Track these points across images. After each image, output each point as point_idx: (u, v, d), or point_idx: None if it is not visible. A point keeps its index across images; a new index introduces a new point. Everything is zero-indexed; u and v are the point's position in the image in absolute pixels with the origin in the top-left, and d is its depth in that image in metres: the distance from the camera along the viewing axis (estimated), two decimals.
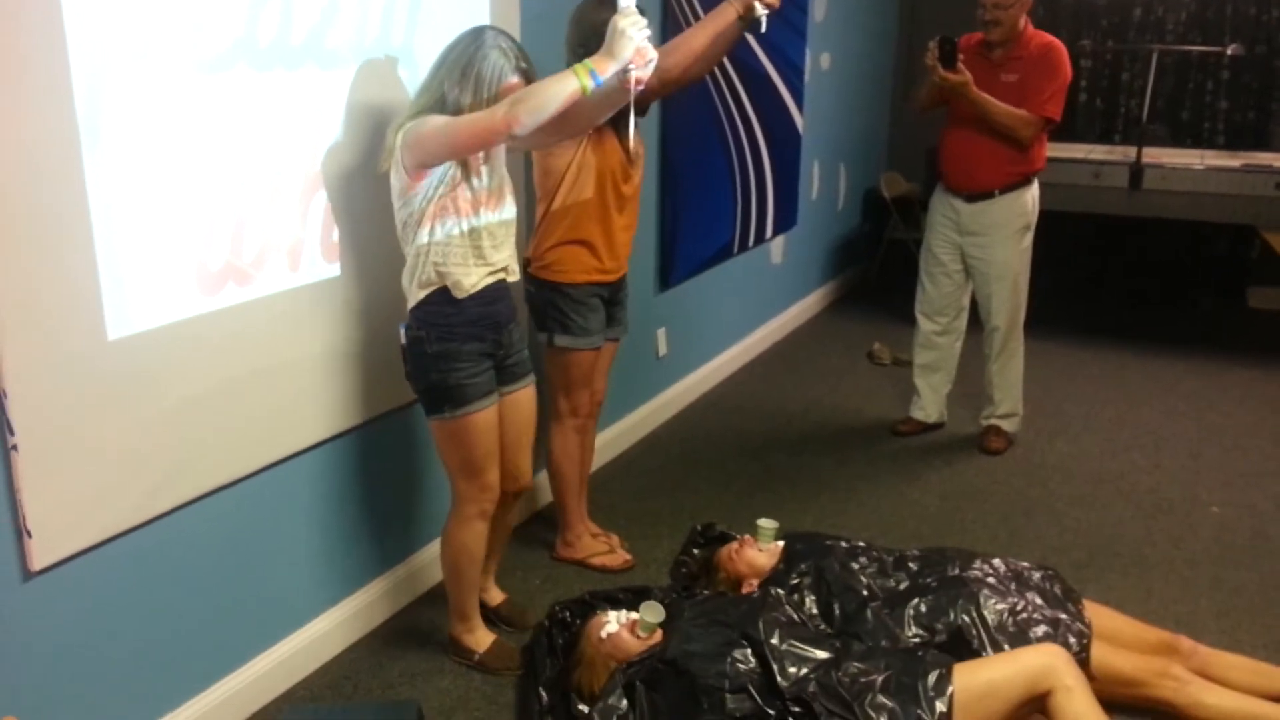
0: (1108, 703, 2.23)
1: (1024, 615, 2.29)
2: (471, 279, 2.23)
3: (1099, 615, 2.39)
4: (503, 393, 2.42)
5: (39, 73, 1.72)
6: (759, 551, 2.61)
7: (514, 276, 2.37)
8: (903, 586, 2.46)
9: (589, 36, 2.51)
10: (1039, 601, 2.37)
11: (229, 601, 2.29)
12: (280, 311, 2.27)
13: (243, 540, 2.31)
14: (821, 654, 2.14)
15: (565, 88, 2.00)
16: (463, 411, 2.30)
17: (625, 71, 2.04)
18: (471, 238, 2.21)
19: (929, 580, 2.44)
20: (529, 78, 2.19)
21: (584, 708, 2.28)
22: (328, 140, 2.33)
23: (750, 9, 2.53)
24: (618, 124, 2.63)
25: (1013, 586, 2.42)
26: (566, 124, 2.27)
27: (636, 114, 2.32)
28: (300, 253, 2.30)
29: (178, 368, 2.05)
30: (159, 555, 2.10)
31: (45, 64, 1.73)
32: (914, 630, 2.31)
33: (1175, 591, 2.90)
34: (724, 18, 2.58)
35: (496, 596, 2.75)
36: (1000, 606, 2.31)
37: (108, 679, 2.03)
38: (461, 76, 2.14)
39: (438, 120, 2.11)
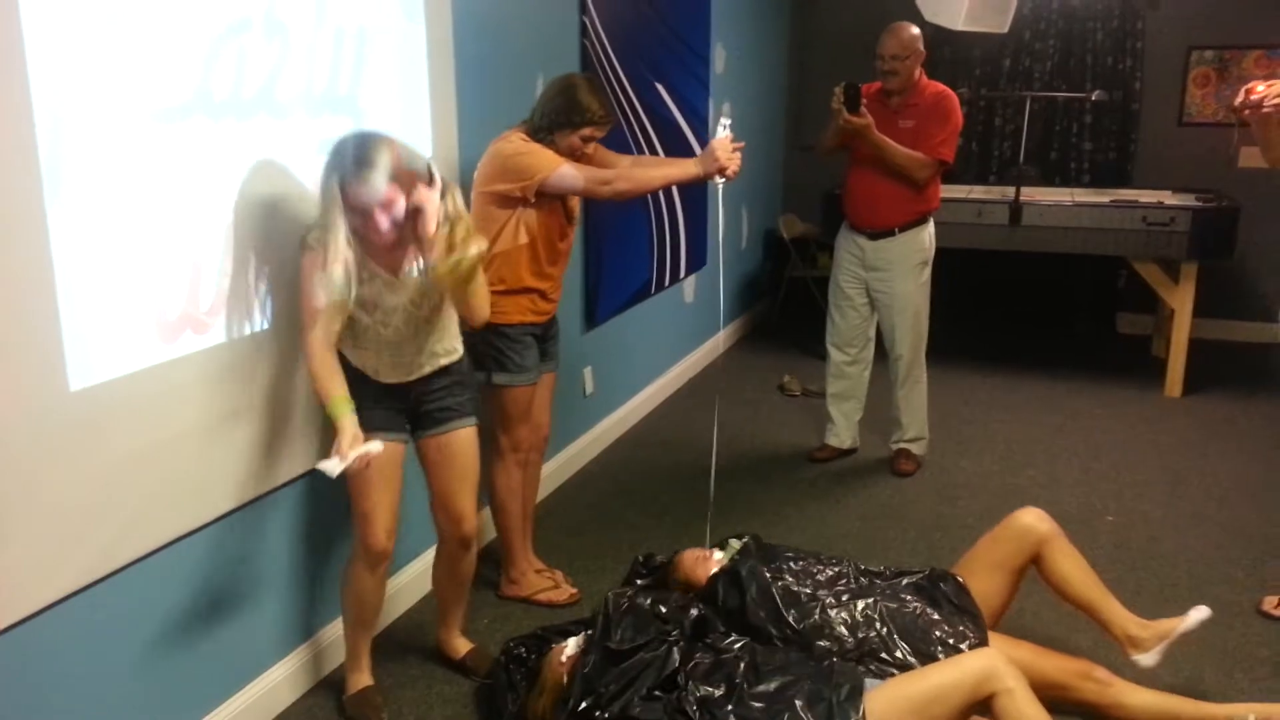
0: None
1: (925, 619, 2.43)
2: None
3: (1014, 647, 2.44)
4: (428, 436, 2.46)
5: (2, 123, 1.72)
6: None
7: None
8: (815, 597, 2.54)
9: (556, 116, 2.74)
10: (931, 606, 2.49)
11: (187, 656, 2.26)
12: (236, 359, 2.28)
13: (199, 591, 2.28)
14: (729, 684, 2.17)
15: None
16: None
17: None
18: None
19: (836, 591, 2.55)
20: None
21: None
22: (268, 189, 2.36)
23: (712, 177, 2.77)
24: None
25: (910, 595, 2.54)
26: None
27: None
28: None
29: (138, 418, 2.04)
30: (117, 611, 2.07)
31: (9, 114, 1.73)
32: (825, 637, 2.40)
33: None
34: (685, 172, 2.83)
35: (462, 647, 2.74)
36: (903, 612, 2.44)
37: None
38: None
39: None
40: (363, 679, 2.56)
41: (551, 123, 2.73)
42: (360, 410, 2.23)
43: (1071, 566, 2.57)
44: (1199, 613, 2.49)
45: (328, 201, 2.12)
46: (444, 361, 2.44)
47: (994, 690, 2.08)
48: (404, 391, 2.39)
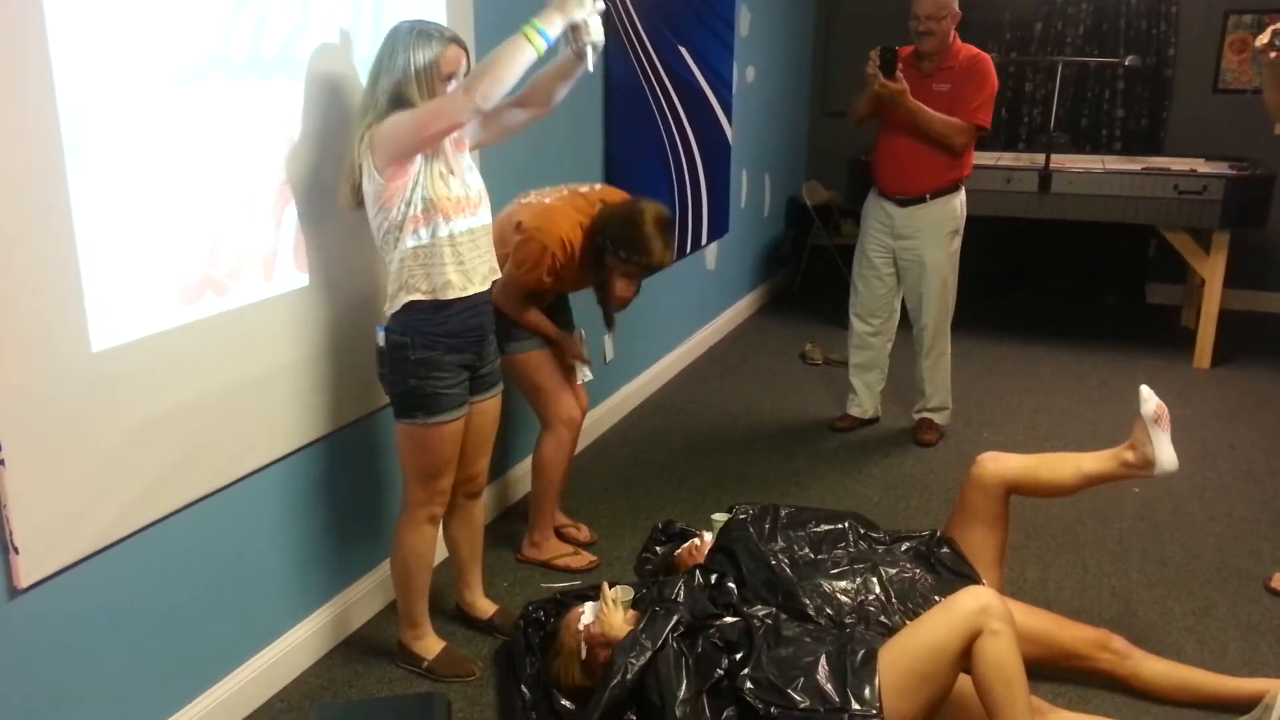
0: (1051, 672, 2.39)
1: (923, 584, 2.43)
2: (461, 280, 2.27)
3: (1032, 616, 2.41)
4: (473, 402, 2.45)
5: (23, 86, 1.70)
6: None
7: (497, 275, 2.42)
8: (812, 559, 2.54)
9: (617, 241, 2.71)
10: (929, 572, 2.49)
11: (209, 614, 2.27)
12: (256, 321, 2.27)
13: (220, 552, 2.29)
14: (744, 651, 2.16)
15: (519, 52, 2.03)
16: (435, 420, 2.33)
17: (579, 44, 2.14)
18: (452, 242, 2.24)
19: (835, 559, 2.54)
20: (461, 45, 2.22)
21: (566, 702, 2.34)
22: (296, 149, 2.34)
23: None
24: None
25: (911, 563, 2.53)
26: (528, 103, 2.38)
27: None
28: (274, 262, 2.30)
29: (160, 379, 2.04)
30: (140, 570, 2.08)
31: (30, 77, 1.71)
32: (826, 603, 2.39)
33: (1108, 566, 3.09)
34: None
35: (488, 608, 2.75)
36: (902, 577, 2.44)
37: (91, 696, 2.00)
38: (400, 71, 2.15)
39: (402, 114, 2.12)
40: (436, 642, 2.58)
41: (612, 243, 2.73)
42: (449, 390, 2.31)
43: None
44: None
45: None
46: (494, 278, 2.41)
47: (982, 627, 1.96)
48: (474, 359, 2.38)
